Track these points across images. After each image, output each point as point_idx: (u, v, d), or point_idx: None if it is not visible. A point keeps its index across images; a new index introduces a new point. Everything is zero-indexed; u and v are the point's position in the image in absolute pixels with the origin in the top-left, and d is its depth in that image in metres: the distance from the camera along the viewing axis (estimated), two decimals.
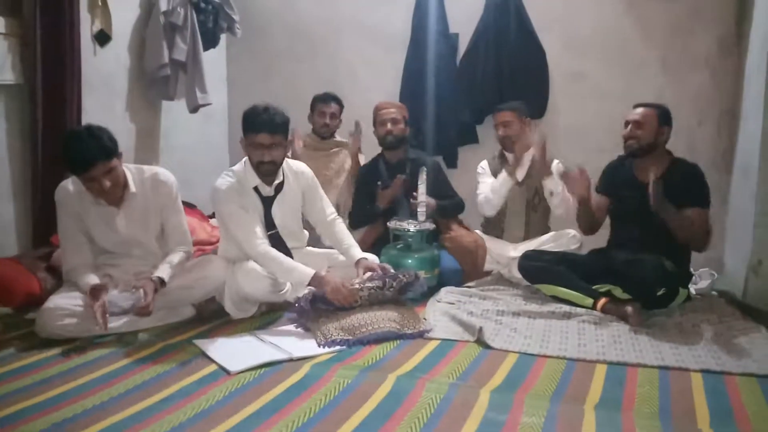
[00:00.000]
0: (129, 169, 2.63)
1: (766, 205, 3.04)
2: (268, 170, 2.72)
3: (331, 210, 3.01)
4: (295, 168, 2.92)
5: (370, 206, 3.51)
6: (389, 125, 3.50)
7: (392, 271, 2.77)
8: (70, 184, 2.57)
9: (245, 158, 2.80)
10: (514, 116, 3.38)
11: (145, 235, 2.69)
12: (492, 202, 3.38)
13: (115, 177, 2.46)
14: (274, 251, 2.69)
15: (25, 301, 2.71)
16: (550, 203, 3.34)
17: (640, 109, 2.92)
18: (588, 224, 3.10)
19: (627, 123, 2.93)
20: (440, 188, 3.50)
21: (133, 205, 2.62)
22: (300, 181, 2.91)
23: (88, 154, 2.35)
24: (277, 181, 2.81)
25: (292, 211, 2.91)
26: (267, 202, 2.80)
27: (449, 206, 3.50)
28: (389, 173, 3.53)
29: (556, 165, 3.40)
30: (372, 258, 2.91)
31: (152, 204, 2.66)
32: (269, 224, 2.80)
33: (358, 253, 2.86)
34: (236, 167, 2.81)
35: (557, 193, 3.26)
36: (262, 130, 2.63)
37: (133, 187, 2.60)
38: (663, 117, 2.89)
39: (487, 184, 3.44)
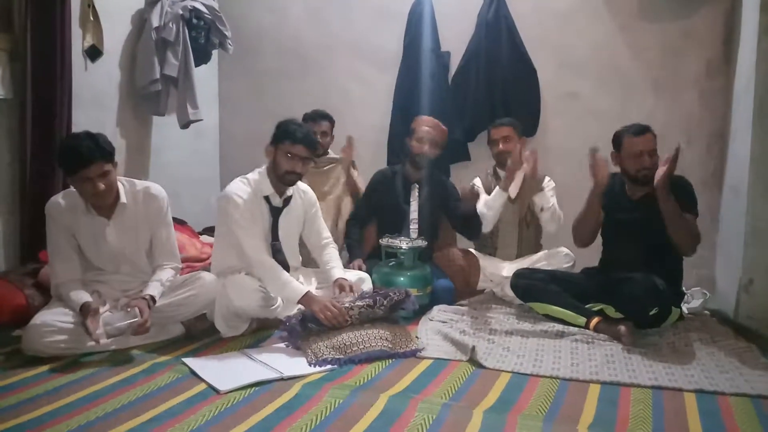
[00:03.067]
0: (121, 182, 2.64)
1: (757, 223, 3.06)
2: (292, 180, 2.83)
3: (326, 234, 3.08)
4: (301, 187, 3.02)
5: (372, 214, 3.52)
6: (426, 147, 3.40)
7: (363, 291, 2.77)
8: (60, 198, 2.57)
9: (261, 168, 2.89)
10: (513, 131, 3.40)
11: (135, 249, 2.68)
12: (486, 217, 3.35)
13: (109, 182, 2.49)
14: (273, 261, 2.74)
15: (11, 317, 2.68)
16: (540, 219, 3.34)
17: (647, 136, 2.84)
18: (587, 230, 3.05)
19: (641, 153, 2.83)
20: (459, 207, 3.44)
21: (123, 217, 2.62)
22: (304, 200, 3.01)
23: (86, 152, 2.38)
24: (287, 195, 2.89)
25: (295, 226, 2.98)
26: (275, 213, 2.87)
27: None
28: (404, 188, 3.50)
29: (547, 182, 3.42)
30: (351, 276, 2.94)
31: (142, 217, 2.67)
32: (273, 234, 2.87)
33: (337, 273, 2.90)
34: (250, 175, 2.88)
35: (547, 208, 3.27)
36: (302, 143, 2.76)
37: (124, 198, 2.61)
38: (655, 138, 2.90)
39: (481, 201, 3.44)
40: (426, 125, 3.47)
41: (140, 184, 2.70)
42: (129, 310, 2.44)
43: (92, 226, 2.58)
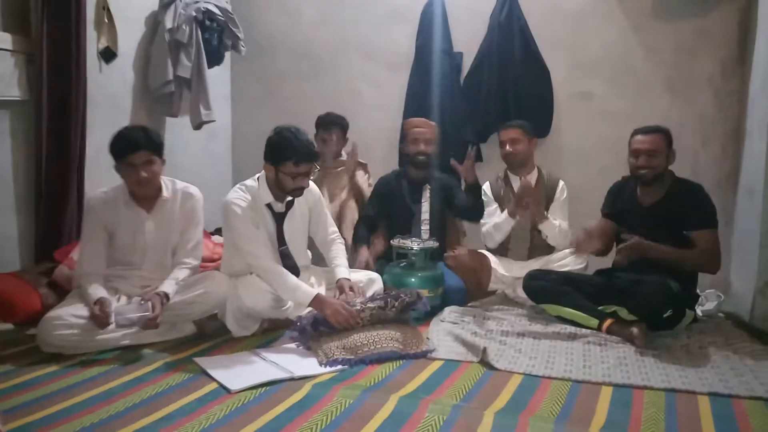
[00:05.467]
0: (164, 180, 2.75)
1: None
2: (302, 193, 2.80)
3: (333, 229, 3.06)
4: (311, 190, 2.97)
5: (380, 219, 3.50)
6: (422, 146, 3.43)
7: (359, 294, 2.75)
8: (102, 192, 2.68)
9: (259, 175, 2.85)
10: (521, 134, 3.38)
11: (166, 245, 2.77)
12: (494, 238, 3.40)
13: (153, 172, 2.62)
14: (280, 267, 2.71)
15: (26, 316, 2.70)
16: (548, 242, 3.34)
17: (649, 137, 2.85)
18: (599, 251, 3.08)
19: (637, 152, 2.87)
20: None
21: (162, 212, 2.73)
22: (308, 199, 2.96)
23: (133, 139, 2.57)
24: (288, 198, 2.85)
25: (301, 227, 2.95)
26: (279, 219, 2.84)
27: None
28: (410, 189, 3.50)
29: (560, 189, 3.40)
30: (362, 277, 2.97)
31: (178, 215, 2.77)
32: (280, 240, 2.84)
33: (341, 272, 2.87)
34: (249, 182, 2.84)
35: (552, 235, 3.28)
36: (307, 160, 2.69)
37: (165, 193, 2.73)
38: (669, 140, 2.88)
39: (489, 214, 3.43)
40: (416, 126, 3.49)
41: (180, 183, 2.82)
42: (142, 303, 2.48)
43: (132, 218, 2.68)
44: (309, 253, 3.08)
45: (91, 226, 2.64)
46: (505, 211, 3.33)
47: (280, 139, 2.69)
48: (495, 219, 3.39)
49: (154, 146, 2.61)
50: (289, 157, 2.66)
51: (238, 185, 2.84)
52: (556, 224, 3.27)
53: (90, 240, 2.64)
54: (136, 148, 2.55)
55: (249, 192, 2.80)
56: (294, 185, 2.73)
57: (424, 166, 3.49)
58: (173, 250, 2.79)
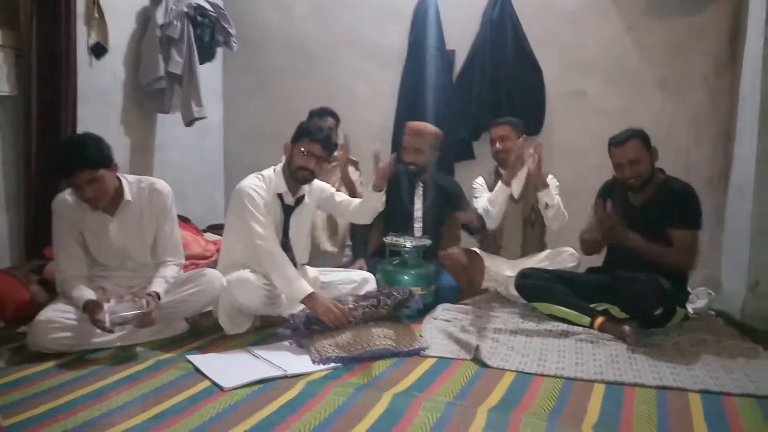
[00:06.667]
0: (126, 179, 2.67)
1: (763, 224, 3.04)
2: (305, 177, 2.86)
3: (350, 199, 3.13)
4: (312, 184, 3.01)
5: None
6: (411, 156, 3.42)
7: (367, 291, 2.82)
8: (67, 195, 2.58)
9: (275, 166, 2.92)
10: (511, 131, 3.38)
11: (139, 245, 2.69)
12: (491, 213, 3.34)
13: (100, 187, 2.47)
14: (283, 254, 2.73)
15: (16, 314, 2.68)
16: (545, 216, 3.31)
17: (626, 146, 2.82)
18: (591, 247, 3.10)
19: (619, 165, 2.86)
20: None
21: (127, 213, 2.64)
22: (315, 196, 3.02)
23: (69, 161, 2.40)
24: (300, 194, 2.91)
25: (305, 224, 3.01)
26: (287, 211, 2.89)
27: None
28: (410, 190, 3.49)
29: (550, 180, 3.40)
30: (356, 277, 3.04)
31: (147, 213, 2.69)
32: (284, 232, 2.88)
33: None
34: (265, 171, 2.91)
35: (552, 205, 3.24)
36: (319, 142, 2.82)
37: (128, 196, 2.63)
38: (647, 141, 2.86)
39: (483, 199, 3.43)
40: (407, 134, 3.46)
41: (146, 180, 2.72)
42: (136, 300, 2.46)
43: (96, 222, 2.60)
44: (307, 256, 3.09)
45: (61, 230, 2.56)
46: (499, 183, 3.32)
47: (306, 122, 2.99)
48: (489, 195, 3.37)
49: (93, 163, 2.41)
50: (306, 134, 2.83)
51: (254, 174, 2.89)
52: (555, 195, 3.27)
53: (64, 244, 2.56)
54: (71, 171, 2.40)
55: (264, 180, 2.86)
56: (301, 162, 2.81)
57: (415, 174, 3.46)
58: (152, 248, 2.73)
